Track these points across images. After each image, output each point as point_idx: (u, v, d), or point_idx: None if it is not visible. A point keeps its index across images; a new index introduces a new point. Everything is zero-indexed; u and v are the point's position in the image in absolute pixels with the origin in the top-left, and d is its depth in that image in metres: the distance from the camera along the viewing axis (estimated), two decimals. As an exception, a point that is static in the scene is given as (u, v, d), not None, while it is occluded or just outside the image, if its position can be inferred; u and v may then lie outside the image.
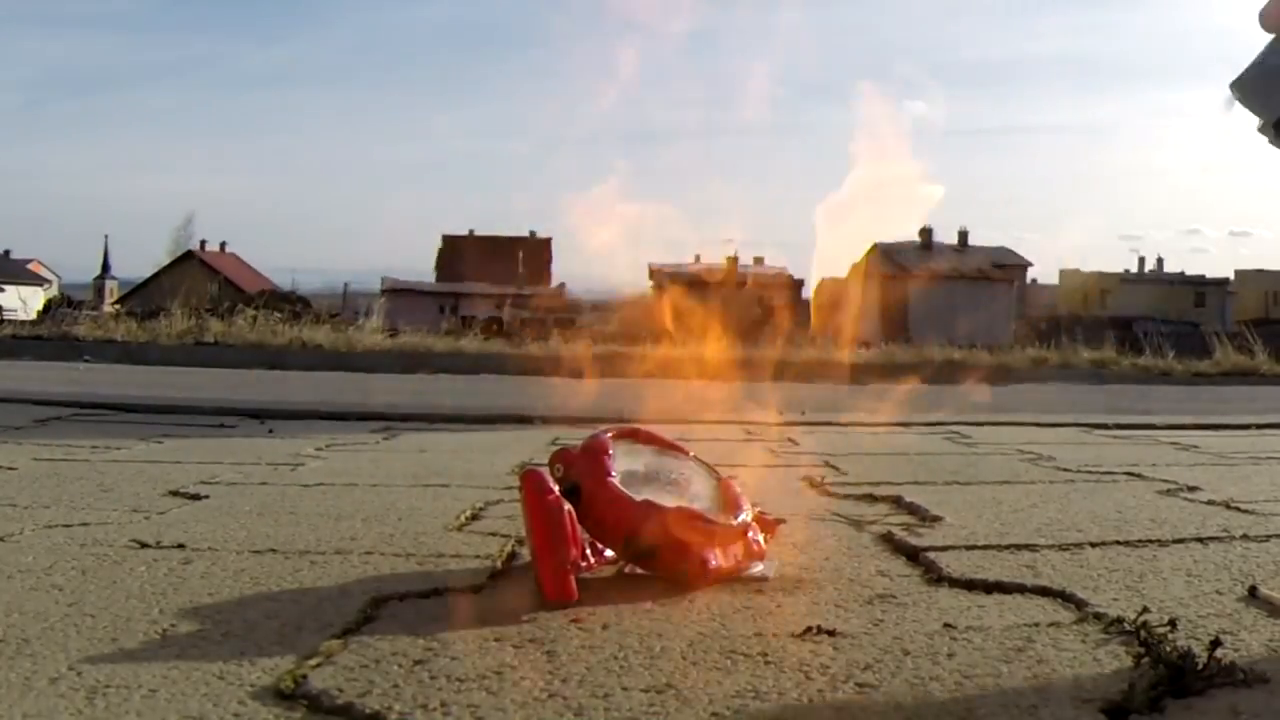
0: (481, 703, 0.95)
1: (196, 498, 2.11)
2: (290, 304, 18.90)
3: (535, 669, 1.05)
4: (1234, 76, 1.19)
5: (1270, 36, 1.17)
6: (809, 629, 1.19)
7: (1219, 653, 1.06)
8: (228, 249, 49.36)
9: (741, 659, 1.09)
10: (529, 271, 45.38)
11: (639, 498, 1.39)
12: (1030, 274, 48.62)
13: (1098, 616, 1.25)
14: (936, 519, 1.94)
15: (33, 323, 18.85)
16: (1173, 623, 1.19)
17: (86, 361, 9.48)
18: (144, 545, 1.61)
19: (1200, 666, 1.03)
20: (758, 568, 1.45)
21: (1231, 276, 47.76)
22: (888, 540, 1.74)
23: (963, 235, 47.41)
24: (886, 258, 43.95)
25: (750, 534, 1.46)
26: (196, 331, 12.93)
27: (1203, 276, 47.47)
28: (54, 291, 45.34)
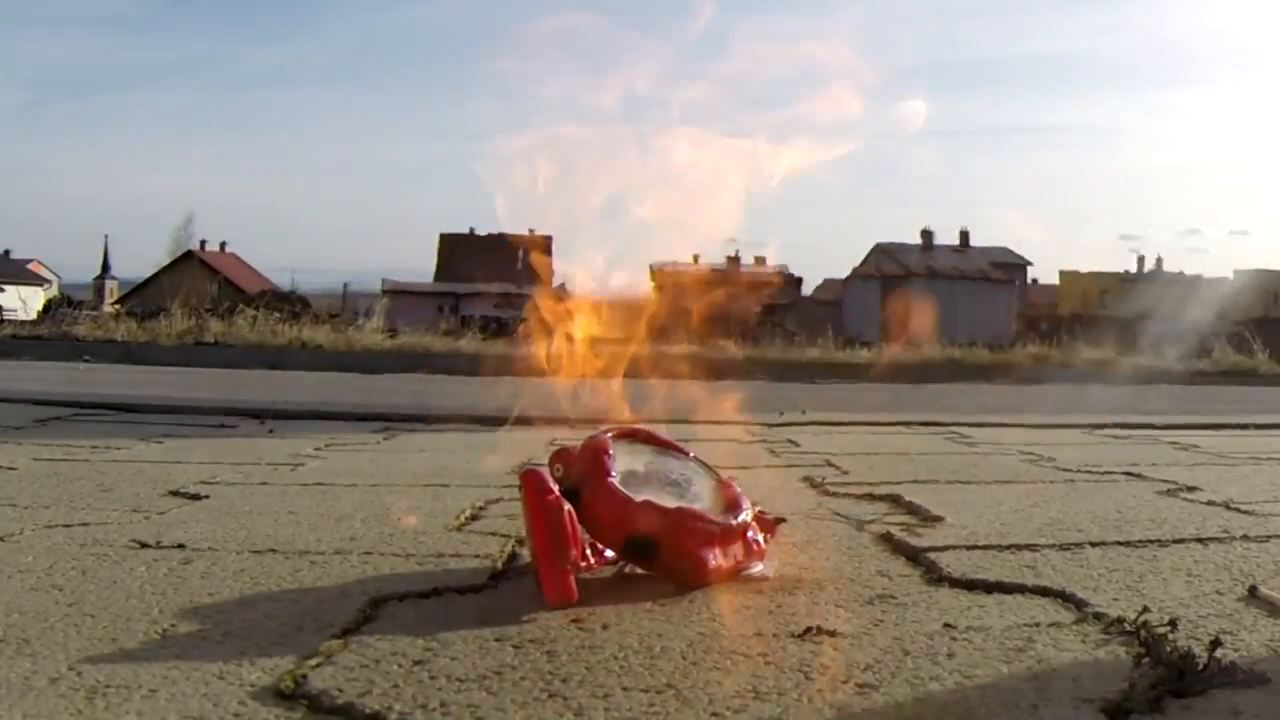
0: (481, 703, 0.95)
1: (196, 498, 2.11)
2: (290, 304, 18.90)
3: (535, 669, 1.05)
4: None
5: None
6: (809, 629, 1.19)
7: (1219, 653, 1.06)
8: (228, 249, 49.37)
9: (741, 659, 1.09)
10: (529, 271, 45.34)
11: (639, 498, 1.39)
12: (1030, 274, 48.63)
13: (1098, 616, 1.25)
14: (937, 519, 1.94)
15: (33, 323, 18.86)
16: (1173, 623, 1.19)
17: (86, 361, 9.48)
18: (144, 545, 1.61)
19: (1200, 666, 1.03)
20: (758, 568, 1.45)
21: (1231, 277, 47.74)
22: (888, 540, 1.74)
23: (963, 235, 47.43)
24: (887, 257, 43.97)
25: (750, 534, 1.46)
26: (196, 331, 12.93)
27: (1202, 276, 47.44)
28: (54, 291, 45.33)
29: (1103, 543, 1.72)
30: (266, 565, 1.50)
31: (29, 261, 51.79)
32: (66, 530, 1.73)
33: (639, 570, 1.42)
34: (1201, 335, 15.70)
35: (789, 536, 1.71)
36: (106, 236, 58.20)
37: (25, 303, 39.62)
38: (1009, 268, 45.29)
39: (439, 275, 46.40)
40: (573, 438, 1.53)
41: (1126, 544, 1.72)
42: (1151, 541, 1.74)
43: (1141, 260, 49.91)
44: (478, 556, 1.58)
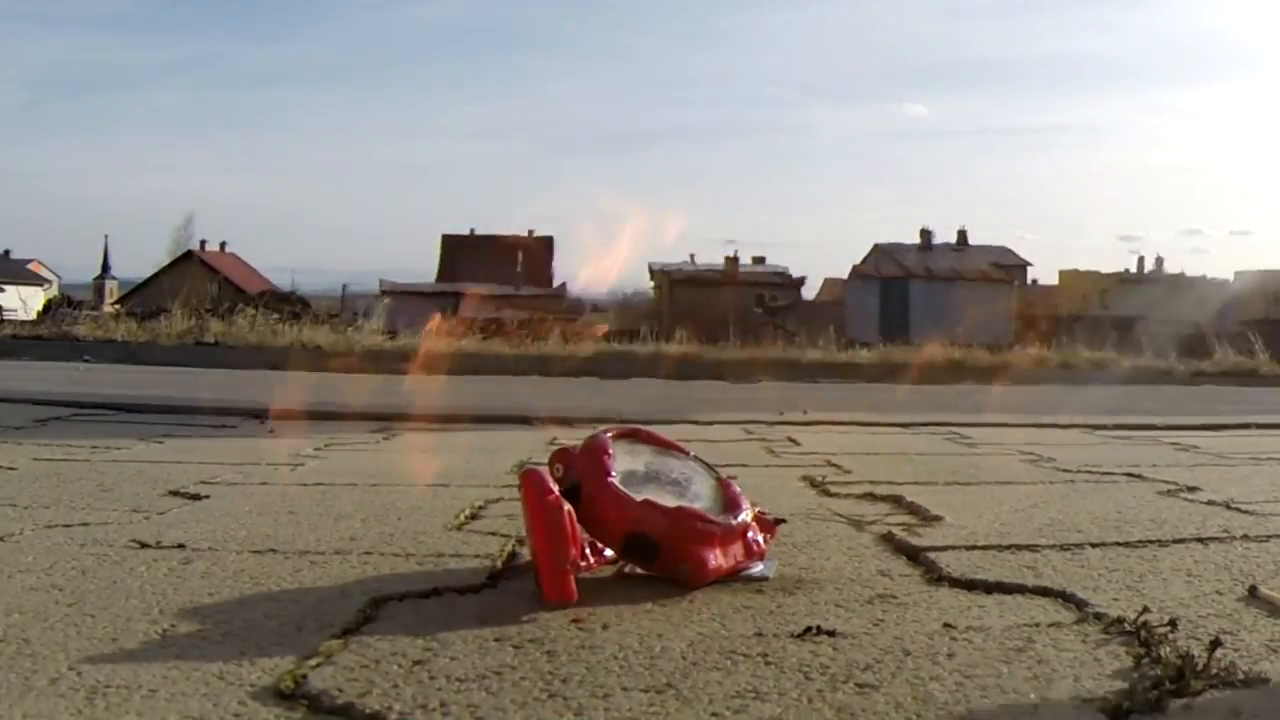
0: (481, 703, 0.95)
1: (196, 498, 2.11)
2: (290, 304, 18.90)
3: (535, 669, 1.05)
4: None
5: None
6: (809, 629, 1.19)
7: (1219, 653, 1.06)
8: (228, 249, 49.36)
9: (741, 659, 1.09)
10: (529, 272, 45.39)
11: (639, 498, 1.39)
12: (1030, 274, 48.63)
13: (1098, 616, 1.25)
14: (937, 519, 1.94)
15: (33, 323, 18.87)
16: (1173, 623, 1.19)
17: (86, 361, 9.49)
18: (144, 545, 1.61)
19: (1200, 666, 1.03)
20: (758, 568, 1.45)
21: (1232, 277, 47.73)
22: (888, 540, 1.74)
23: (962, 235, 47.42)
24: (887, 258, 43.97)
25: (750, 534, 1.46)
26: (196, 331, 12.95)
27: (1203, 276, 47.41)
28: (54, 291, 45.33)
29: (1103, 543, 1.72)
30: (266, 565, 1.50)
31: (29, 261, 51.77)
32: (66, 530, 1.73)
33: (639, 570, 1.42)
34: (1202, 336, 15.69)
35: (789, 536, 1.71)
36: (106, 236, 58.15)
37: (25, 303, 39.63)
38: (1008, 268, 45.27)
39: (440, 276, 46.41)
40: (573, 437, 1.53)
41: (1126, 544, 1.72)
42: (1151, 541, 1.74)
43: (1141, 260, 49.89)
44: (478, 556, 1.58)
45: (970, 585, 1.42)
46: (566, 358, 11.80)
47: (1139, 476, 2.62)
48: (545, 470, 1.38)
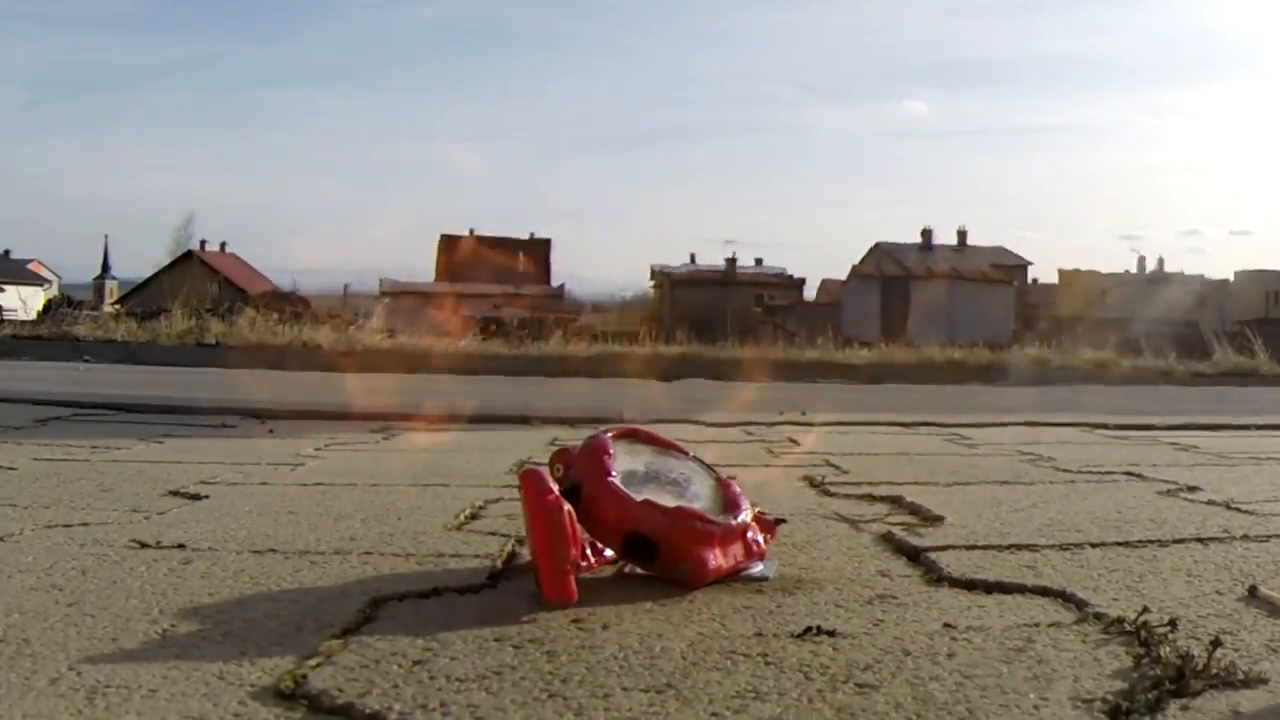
0: (481, 703, 0.95)
1: (196, 498, 2.11)
2: (290, 304, 18.91)
3: (535, 669, 1.05)
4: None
5: None
6: (809, 629, 1.19)
7: (1219, 653, 1.06)
8: (228, 249, 49.37)
9: (741, 659, 1.09)
10: (528, 272, 45.41)
11: (639, 498, 1.39)
12: (1030, 274, 48.63)
13: (1098, 616, 1.25)
14: (937, 519, 1.94)
15: (33, 323, 18.86)
16: (1173, 623, 1.19)
17: (86, 361, 9.48)
18: (144, 545, 1.61)
19: (1200, 666, 1.03)
20: (758, 568, 1.45)
21: (1232, 277, 47.74)
22: (888, 540, 1.74)
23: (962, 235, 47.43)
24: (887, 257, 43.97)
25: (750, 534, 1.46)
26: (196, 332, 12.94)
27: (1203, 276, 47.45)
28: (54, 291, 45.32)
29: (1103, 543, 1.72)
30: (266, 565, 1.50)
31: (29, 261, 51.79)
32: (66, 530, 1.73)
33: (639, 570, 1.42)
34: (1201, 336, 15.70)
35: (789, 536, 1.71)
36: (106, 236, 58.10)
37: (25, 303, 39.63)
38: (1008, 268, 45.27)
39: (440, 276, 46.41)
40: (573, 437, 1.53)
41: (1126, 544, 1.72)
42: (1151, 541, 1.74)
43: (1142, 260, 49.89)
44: (478, 556, 1.58)
45: (970, 585, 1.42)
46: (566, 358, 11.80)
47: (1139, 476, 2.62)
48: (545, 470, 1.38)
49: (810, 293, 45.60)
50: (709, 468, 1.56)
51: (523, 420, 4.35)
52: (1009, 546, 1.69)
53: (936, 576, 1.48)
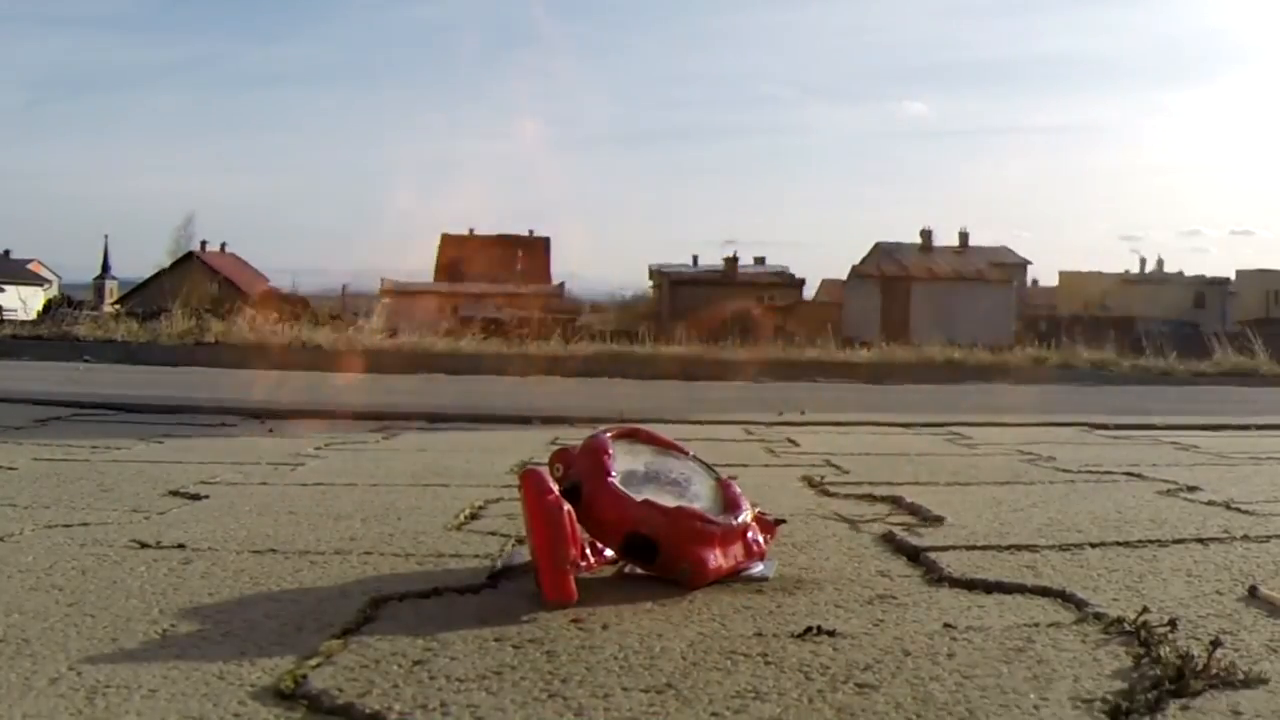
0: (481, 703, 0.95)
1: (196, 498, 2.11)
2: (290, 304, 18.91)
3: (535, 669, 1.05)
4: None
5: None
6: (809, 629, 1.19)
7: (1219, 653, 1.06)
8: (228, 249, 49.36)
9: (741, 659, 1.09)
10: (528, 271, 45.42)
11: (639, 498, 1.39)
12: (1030, 274, 48.64)
13: (1098, 616, 1.25)
14: (937, 519, 1.94)
15: (33, 323, 18.85)
16: (1173, 623, 1.19)
17: (86, 361, 9.48)
18: (144, 545, 1.61)
19: (1200, 666, 1.03)
20: (758, 568, 1.45)
21: (1232, 277, 47.74)
22: (888, 540, 1.74)
23: (963, 235, 47.43)
24: (887, 258, 43.96)
25: (750, 534, 1.46)
26: (197, 332, 12.93)
27: (1203, 276, 47.45)
28: (54, 291, 45.34)
29: (1103, 543, 1.72)
30: (266, 565, 1.50)
31: (29, 261, 51.79)
32: (66, 530, 1.73)
33: (639, 570, 1.42)
34: (1202, 336, 15.70)
35: (789, 536, 1.71)
36: (106, 236, 58.10)
37: (25, 303, 39.62)
38: (1009, 268, 45.27)
39: (440, 276, 46.41)
40: (573, 437, 1.53)
41: (1126, 544, 1.72)
42: (1151, 541, 1.74)
43: (1142, 260, 49.91)
44: (477, 556, 1.58)
45: (970, 585, 1.42)
46: (566, 358, 11.80)
47: (1139, 476, 2.62)
48: (545, 470, 1.38)
49: (810, 293, 45.63)
50: (709, 468, 1.56)
51: (523, 420, 4.35)
52: (1009, 546, 1.69)
53: (936, 576, 1.48)
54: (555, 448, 1.50)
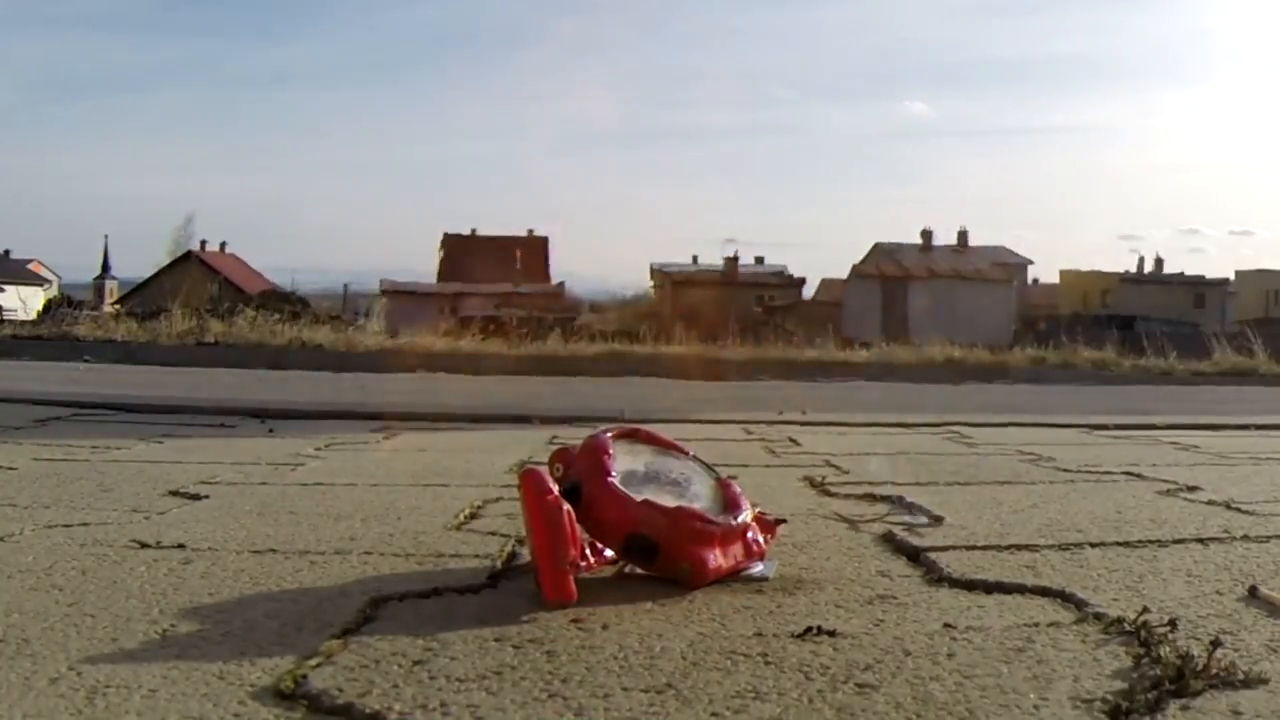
0: (481, 703, 0.95)
1: (196, 498, 2.11)
2: (290, 304, 18.91)
3: (535, 669, 1.05)
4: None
5: None
6: (809, 629, 1.19)
7: (1219, 653, 1.06)
8: (228, 249, 49.34)
9: (741, 659, 1.09)
10: (527, 271, 45.40)
11: (639, 498, 1.39)
12: (1030, 274, 48.64)
13: (1098, 616, 1.25)
14: (937, 519, 1.94)
15: (33, 323, 18.85)
16: (1173, 623, 1.19)
17: (86, 361, 9.48)
18: (144, 545, 1.61)
19: (1200, 666, 1.03)
20: (758, 568, 1.45)
21: (1232, 277, 47.74)
22: (888, 540, 1.74)
23: (963, 235, 47.45)
24: (887, 257, 43.96)
25: (750, 534, 1.46)
26: (197, 331, 12.94)
27: (1203, 276, 47.45)
28: (54, 291, 45.31)
29: (1103, 543, 1.72)
30: (266, 565, 1.50)
31: (29, 261, 51.79)
32: (66, 530, 1.73)
33: (639, 570, 1.42)
34: (1202, 336, 15.70)
35: (789, 536, 1.71)
36: (106, 236, 58.14)
37: (25, 303, 39.60)
38: (1009, 268, 45.27)
39: (440, 276, 46.42)
40: (573, 437, 1.53)
41: (1126, 544, 1.72)
42: (1151, 541, 1.74)
43: (1142, 260, 49.89)
44: (477, 556, 1.58)
45: (970, 585, 1.42)
46: (566, 357, 11.80)
47: (1139, 476, 2.62)
48: (545, 470, 1.38)
49: (810, 292, 45.61)
50: (709, 468, 1.56)
51: (523, 420, 4.35)
52: (1009, 546, 1.69)
53: (937, 577, 1.48)
54: (555, 448, 1.50)
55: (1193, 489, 2.38)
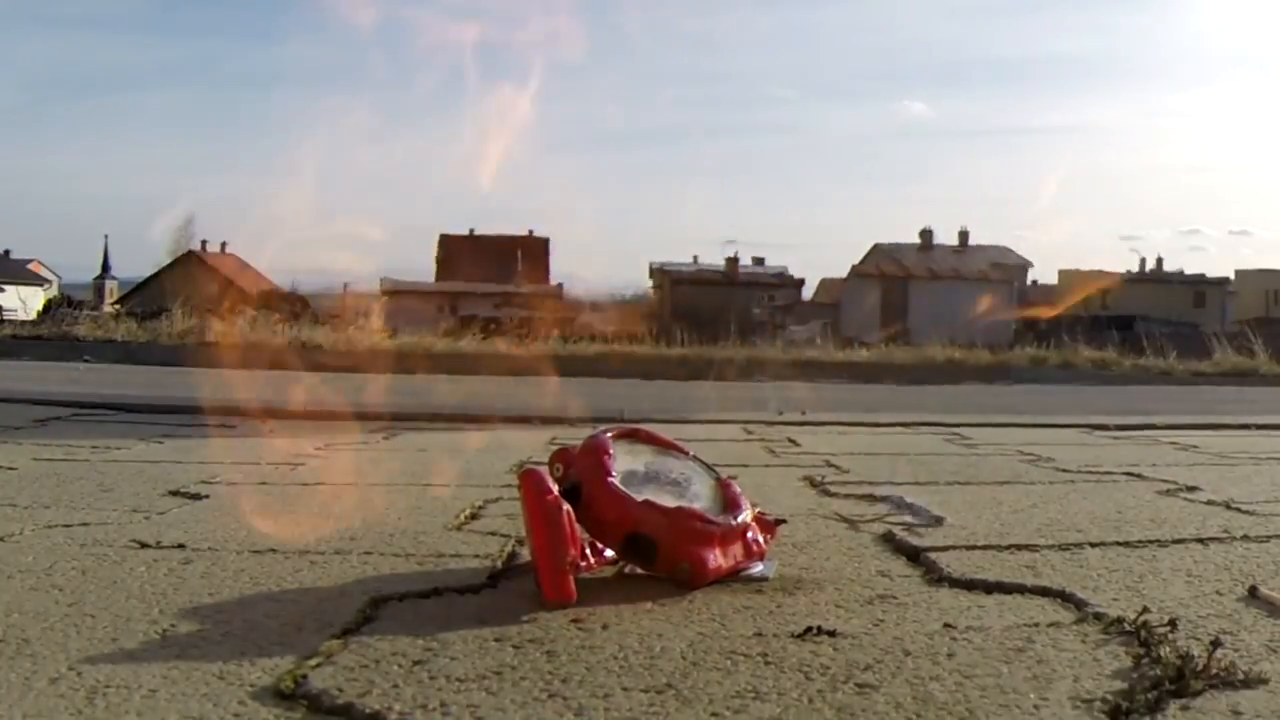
0: (481, 703, 0.95)
1: (196, 498, 2.11)
2: (290, 304, 18.90)
3: (535, 669, 1.05)
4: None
5: None
6: (809, 629, 1.19)
7: (1219, 653, 1.06)
8: (228, 249, 49.33)
9: (741, 659, 1.09)
10: (527, 271, 45.38)
11: (639, 498, 1.39)
12: (1030, 274, 48.58)
13: (1098, 616, 1.25)
14: (937, 519, 1.94)
15: (33, 323, 18.86)
16: (1173, 623, 1.19)
17: (86, 361, 9.48)
18: (144, 545, 1.61)
19: (1200, 666, 1.03)
20: (758, 568, 1.45)
21: (1232, 276, 47.71)
22: (888, 540, 1.74)
23: (963, 235, 47.39)
24: (887, 257, 43.95)
25: (750, 534, 1.46)
26: (197, 331, 12.94)
27: (1203, 276, 47.42)
28: (54, 291, 45.34)
29: (1102, 543, 1.72)
30: (266, 565, 1.50)
31: (29, 261, 51.76)
32: (66, 530, 1.73)
33: (639, 570, 1.42)
34: (1202, 336, 15.70)
35: (789, 536, 1.71)
36: (106, 236, 57.99)
37: (25, 303, 39.62)
38: (1009, 268, 45.24)
39: (439, 276, 46.40)
40: (573, 437, 1.53)
41: (1126, 544, 1.72)
42: (1151, 541, 1.74)
43: (1142, 261, 49.86)
44: (477, 556, 1.58)
45: (970, 585, 1.42)
46: (566, 357, 11.80)
47: (1139, 476, 2.62)
48: (545, 470, 1.38)
49: (810, 292, 45.59)
50: (709, 468, 1.56)
51: (523, 420, 4.35)
52: (1009, 546, 1.69)
53: (936, 577, 1.48)
54: (555, 448, 1.50)
55: (1193, 489, 2.38)
